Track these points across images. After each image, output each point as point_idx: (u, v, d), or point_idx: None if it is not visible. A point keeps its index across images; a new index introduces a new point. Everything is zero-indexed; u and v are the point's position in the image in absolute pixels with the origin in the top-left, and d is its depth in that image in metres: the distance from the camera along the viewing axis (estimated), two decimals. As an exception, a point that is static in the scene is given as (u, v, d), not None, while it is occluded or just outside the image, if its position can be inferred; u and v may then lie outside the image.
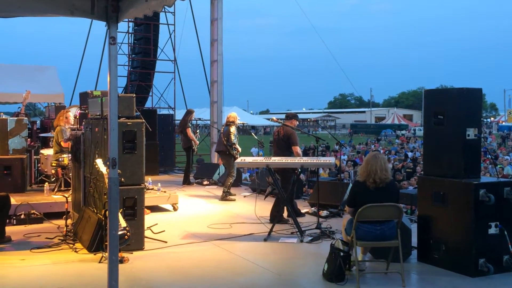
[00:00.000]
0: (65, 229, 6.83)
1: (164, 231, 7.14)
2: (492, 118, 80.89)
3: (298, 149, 7.95)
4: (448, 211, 5.53)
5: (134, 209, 6.32)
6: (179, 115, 16.70)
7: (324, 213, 8.28)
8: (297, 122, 8.31)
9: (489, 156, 18.39)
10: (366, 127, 71.37)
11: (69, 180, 8.43)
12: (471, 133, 5.54)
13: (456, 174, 5.55)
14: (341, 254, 5.14)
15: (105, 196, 5.64)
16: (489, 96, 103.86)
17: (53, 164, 8.90)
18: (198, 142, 12.68)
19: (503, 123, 64.33)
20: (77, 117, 8.58)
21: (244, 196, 10.49)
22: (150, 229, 7.01)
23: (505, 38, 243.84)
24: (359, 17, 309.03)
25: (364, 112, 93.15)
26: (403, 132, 56.14)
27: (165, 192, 9.17)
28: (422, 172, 6.73)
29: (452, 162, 5.61)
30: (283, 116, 8.60)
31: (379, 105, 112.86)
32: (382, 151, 23.82)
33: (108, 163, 4.03)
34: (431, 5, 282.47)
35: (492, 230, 5.36)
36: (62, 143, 8.71)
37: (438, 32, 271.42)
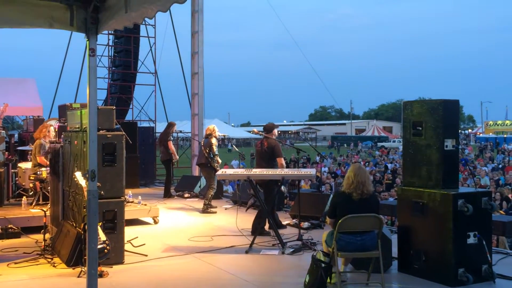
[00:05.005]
0: (43, 243, 6.71)
1: (144, 244, 7.07)
2: (469, 130, 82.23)
3: (282, 161, 7.95)
4: (427, 222, 5.58)
5: (114, 222, 6.25)
6: (159, 127, 16.66)
7: (305, 224, 8.28)
8: (277, 131, 8.22)
9: (468, 168, 18.67)
10: (346, 139, 71.92)
11: (47, 193, 8.31)
12: (449, 144, 5.63)
13: (435, 184, 5.62)
14: (323, 265, 5.14)
15: (84, 210, 5.56)
16: (466, 108, 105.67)
17: (31, 178, 8.75)
18: (177, 156, 12.63)
19: (481, 134, 65.49)
20: (56, 130, 8.48)
21: (226, 209, 10.46)
22: (130, 242, 6.94)
23: (482, 52, 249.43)
24: (339, 31, 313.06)
25: (344, 124, 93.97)
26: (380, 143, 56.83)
27: (145, 205, 9.08)
28: (401, 183, 6.78)
29: (430, 173, 5.69)
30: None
31: (359, 117, 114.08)
32: (362, 163, 24.03)
33: (87, 175, 4.00)
34: (409, 20, 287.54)
35: (471, 240, 5.42)
36: (38, 158, 8.59)
37: (416, 46, 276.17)
